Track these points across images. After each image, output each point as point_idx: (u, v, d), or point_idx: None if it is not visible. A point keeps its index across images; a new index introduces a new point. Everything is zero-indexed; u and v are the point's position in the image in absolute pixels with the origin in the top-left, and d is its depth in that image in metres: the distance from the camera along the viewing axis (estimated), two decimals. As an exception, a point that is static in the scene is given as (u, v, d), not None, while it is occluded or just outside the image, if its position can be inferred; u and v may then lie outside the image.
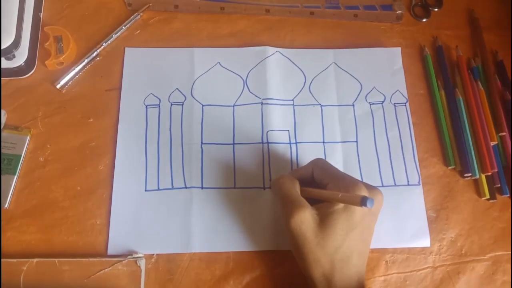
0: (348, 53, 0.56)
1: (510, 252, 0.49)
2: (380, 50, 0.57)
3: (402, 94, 0.54)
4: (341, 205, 0.39)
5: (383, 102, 0.54)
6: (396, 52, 0.57)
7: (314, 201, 0.41)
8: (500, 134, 0.53)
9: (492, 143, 0.52)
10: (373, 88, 0.54)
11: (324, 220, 0.39)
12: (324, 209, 0.40)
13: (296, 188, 0.42)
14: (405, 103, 0.54)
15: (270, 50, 0.55)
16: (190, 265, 0.46)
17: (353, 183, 0.40)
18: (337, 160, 0.51)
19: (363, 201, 0.36)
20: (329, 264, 0.39)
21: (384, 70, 0.55)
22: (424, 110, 0.55)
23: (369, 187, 0.41)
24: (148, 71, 0.53)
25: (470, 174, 0.51)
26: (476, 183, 0.52)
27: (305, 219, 0.39)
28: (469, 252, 0.49)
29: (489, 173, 0.51)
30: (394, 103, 0.54)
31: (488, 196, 0.50)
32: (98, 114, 0.52)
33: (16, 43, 0.49)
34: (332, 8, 0.58)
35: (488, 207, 0.51)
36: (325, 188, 0.42)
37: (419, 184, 0.50)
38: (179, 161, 0.50)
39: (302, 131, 0.52)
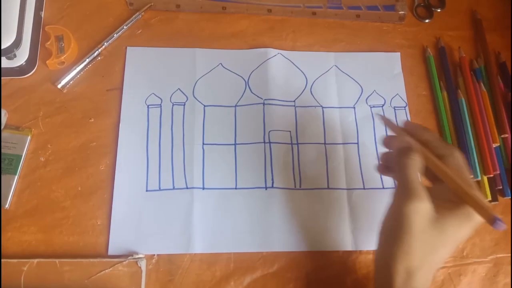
0: (349, 56, 0.56)
1: (511, 255, 0.49)
2: (380, 54, 0.57)
3: (402, 98, 0.55)
4: (462, 214, 0.36)
5: (383, 105, 0.54)
6: (395, 57, 0.57)
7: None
8: (502, 136, 0.52)
9: (494, 145, 0.52)
10: (373, 92, 0.54)
11: (438, 220, 0.36)
12: (442, 210, 0.37)
13: (421, 171, 0.38)
14: (405, 107, 0.54)
15: (272, 52, 0.55)
16: (191, 266, 0.46)
17: (485, 201, 0.36)
18: (339, 162, 0.51)
19: (494, 219, 0.33)
20: (418, 262, 0.36)
21: (384, 74, 0.56)
22: (426, 111, 0.54)
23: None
24: (150, 71, 0.53)
25: (471, 176, 0.50)
26: (478, 185, 0.51)
27: (420, 211, 0.36)
28: (471, 254, 0.49)
29: (491, 175, 0.50)
30: (394, 107, 0.54)
31: (490, 198, 0.50)
32: (99, 114, 0.51)
33: (17, 43, 0.49)
34: (334, 8, 0.57)
35: (490, 209, 0.51)
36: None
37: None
38: (181, 162, 0.50)
39: (304, 132, 0.52)
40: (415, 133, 0.40)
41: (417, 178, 0.38)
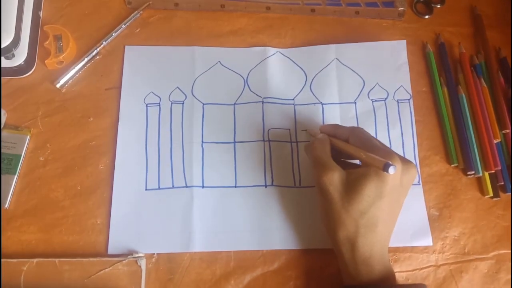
0: (351, 47, 0.55)
1: (511, 251, 0.49)
2: (385, 43, 0.56)
3: (406, 90, 0.54)
4: (372, 172, 0.39)
5: (386, 99, 0.53)
6: (400, 46, 0.56)
7: (346, 168, 0.42)
8: (503, 132, 0.52)
9: (495, 141, 0.51)
10: (376, 85, 0.54)
11: (352, 184, 0.40)
12: (354, 174, 0.40)
13: (327, 151, 0.44)
14: (409, 99, 0.54)
15: (271, 50, 0.55)
16: (191, 265, 0.46)
17: (388, 153, 0.40)
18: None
19: (386, 166, 0.37)
20: (354, 228, 0.40)
21: (388, 64, 0.55)
22: (426, 107, 0.54)
23: (404, 160, 0.41)
24: (149, 69, 0.53)
25: (473, 172, 0.50)
26: (479, 181, 0.51)
27: (333, 180, 0.40)
28: (472, 251, 0.48)
29: (493, 171, 0.50)
30: (398, 100, 0.53)
31: (491, 194, 0.50)
32: (98, 113, 0.51)
33: (15, 42, 0.49)
34: (333, 5, 0.57)
35: (491, 205, 0.50)
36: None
37: (419, 184, 0.50)
38: (180, 160, 0.50)
39: (303, 131, 0.52)
40: (326, 130, 0.47)
41: (324, 154, 0.43)
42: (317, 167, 0.42)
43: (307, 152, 0.46)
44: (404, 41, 0.56)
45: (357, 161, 0.46)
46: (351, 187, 0.40)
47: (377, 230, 0.40)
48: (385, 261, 0.41)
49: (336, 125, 0.48)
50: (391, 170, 0.37)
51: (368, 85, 0.54)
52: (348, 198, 0.40)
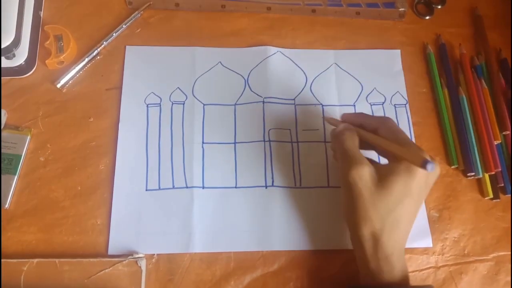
0: (349, 54, 0.56)
1: (511, 253, 0.49)
2: (380, 52, 0.56)
3: (402, 96, 0.54)
4: (402, 169, 0.39)
5: (383, 103, 0.54)
6: (395, 54, 0.57)
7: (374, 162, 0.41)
8: (503, 133, 0.52)
9: (495, 142, 0.51)
10: (373, 89, 0.54)
11: (382, 180, 0.39)
12: (384, 170, 0.40)
13: (356, 143, 0.42)
14: (405, 104, 0.54)
15: (271, 50, 0.55)
16: (191, 265, 0.46)
17: (419, 149, 0.40)
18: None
19: (424, 163, 0.35)
20: (380, 225, 0.39)
21: (384, 71, 0.55)
22: (427, 108, 0.54)
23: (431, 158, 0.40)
24: (149, 70, 0.53)
25: (473, 174, 0.50)
26: (479, 182, 0.51)
27: (363, 175, 0.39)
28: (472, 252, 0.48)
29: (493, 173, 0.50)
30: (395, 104, 0.54)
31: (491, 196, 0.50)
32: (99, 114, 0.51)
33: (16, 42, 0.49)
34: (334, 5, 0.57)
35: (491, 206, 0.50)
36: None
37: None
38: (180, 161, 0.50)
39: (303, 131, 0.52)
40: (351, 119, 0.45)
41: (354, 147, 0.41)
42: (345, 160, 0.41)
43: (334, 143, 0.45)
44: (399, 51, 0.57)
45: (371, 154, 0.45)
46: (380, 183, 0.39)
47: (401, 228, 0.40)
48: (403, 259, 0.41)
49: (363, 114, 0.46)
50: (429, 167, 0.35)
51: (366, 90, 0.54)
52: (377, 194, 0.39)
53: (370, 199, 0.39)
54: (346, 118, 0.46)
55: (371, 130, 0.43)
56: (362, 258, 0.41)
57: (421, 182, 0.39)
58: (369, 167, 0.40)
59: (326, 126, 0.52)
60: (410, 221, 0.41)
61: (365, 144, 0.43)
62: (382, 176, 0.39)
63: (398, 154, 0.39)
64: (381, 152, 0.45)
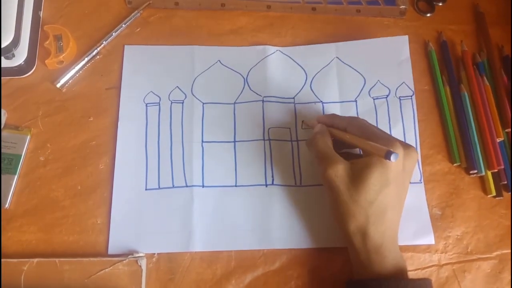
0: (352, 45, 0.55)
1: (511, 251, 0.48)
2: (386, 39, 0.55)
3: (408, 87, 0.53)
4: (375, 161, 0.40)
5: (387, 96, 0.53)
6: (403, 41, 0.55)
7: (349, 158, 0.42)
8: (506, 130, 0.52)
9: (498, 139, 0.51)
10: (377, 82, 0.53)
11: (357, 174, 0.40)
12: (358, 165, 0.41)
13: (329, 143, 0.44)
14: (411, 96, 0.53)
15: (271, 49, 0.54)
16: (191, 265, 0.46)
17: (388, 140, 0.41)
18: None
19: (387, 154, 0.37)
20: (364, 218, 0.40)
21: (389, 61, 0.54)
22: (429, 106, 0.54)
23: (404, 145, 0.42)
24: (148, 69, 0.53)
25: (475, 171, 0.50)
26: (482, 180, 0.51)
27: (338, 172, 0.41)
28: (475, 250, 0.48)
29: (495, 170, 0.50)
30: (400, 97, 0.53)
31: (494, 194, 0.49)
32: (98, 113, 0.51)
33: (15, 42, 0.49)
34: (334, 3, 0.57)
35: (494, 204, 0.50)
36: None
37: (421, 182, 0.50)
38: (180, 160, 0.49)
39: (303, 129, 0.51)
40: (324, 121, 0.47)
41: (327, 148, 0.43)
42: (321, 161, 0.42)
43: (309, 147, 0.46)
44: (406, 37, 0.55)
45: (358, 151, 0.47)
46: (357, 177, 0.40)
47: (386, 217, 0.40)
48: (396, 250, 0.41)
49: (334, 115, 0.48)
50: (393, 158, 0.37)
51: (369, 83, 0.53)
52: (355, 188, 0.40)
53: (349, 194, 0.40)
54: (320, 119, 0.48)
55: (342, 129, 0.45)
56: (353, 253, 0.42)
57: (398, 170, 0.41)
58: (343, 164, 0.41)
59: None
60: (395, 210, 0.42)
61: (341, 144, 0.45)
62: (358, 170, 0.40)
63: (365, 148, 0.41)
64: (353, 149, 0.47)
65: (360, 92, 0.53)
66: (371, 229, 0.40)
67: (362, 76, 0.54)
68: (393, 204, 0.41)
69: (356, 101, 0.53)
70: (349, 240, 0.42)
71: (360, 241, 0.41)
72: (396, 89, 0.53)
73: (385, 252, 0.40)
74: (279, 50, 0.54)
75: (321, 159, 0.43)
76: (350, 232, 0.41)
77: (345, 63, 0.54)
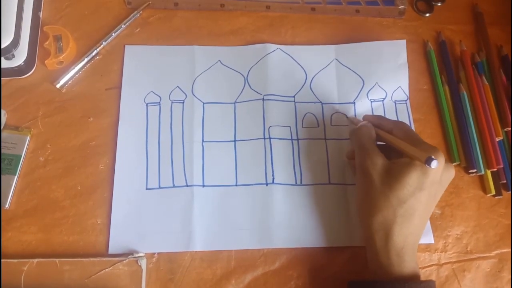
0: (351, 48, 0.55)
1: (511, 250, 0.48)
2: (384, 43, 0.56)
3: (404, 91, 0.54)
4: (416, 163, 0.39)
5: (383, 99, 0.53)
6: (400, 45, 0.56)
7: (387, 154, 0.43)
8: (505, 129, 0.52)
9: (497, 139, 0.51)
10: (375, 84, 0.54)
11: (395, 171, 0.40)
12: (398, 163, 0.41)
13: (373, 138, 0.45)
14: (406, 100, 0.53)
15: (271, 47, 0.54)
16: (192, 264, 0.46)
17: (431, 148, 0.40)
18: (339, 157, 0.50)
19: (428, 160, 0.37)
20: (391, 216, 0.40)
21: (388, 64, 0.55)
22: (428, 105, 0.54)
23: (446, 159, 0.42)
24: (148, 69, 0.53)
25: (475, 170, 0.50)
26: (481, 179, 0.51)
27: (376, 164, 0.41)
28: (475, 250, 0.48)
29: (495, 169, 0.50)
30: (395, 101, 0.53)
31: (493, 193, 0.50)
32: (99, 113, 0.51)
33: (15, 43, 0.49)
34: (333, 3, 0.57)
35: (493, 203, 0.50)
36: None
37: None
38: (180, 159, 0.49)
39: (304, 128, 0.51)
40: (371, 120, 0.47)
41: (370, 141, 0.44)
42: (361, 151, 0.43)
43: (352, 137, 0.47)
44: (404, 41, 0.56)
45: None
46: (394, 174, 0.40)
47: (412, 222, 0.40)
48: (415, 257, 0.41)
49: (381, 116, 0.48)
50: (433, 164, 0.37)
51: (367, 85, 0.54)
52: (389, 184, 0.40)
53: (382, 188, 0.40)
54: (367, 117, 0.48)
55: (387, 130, 0.45)
56: (373, 250, 0.41)
57: (435, 179, 0.40)
58: (383, 159, 0.41)
59: (326, 124, 0.52)
60: (423, 215, 0.41)
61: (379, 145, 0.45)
62: (396, 168, 0.40)
63: (407, 151, 0.40)
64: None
65: (359, 94, 0.53)
66: (395, 229, 0.40)
67: (361, 78, 0.54)
68: (422, 210, 0.40)
69: (354, 103, 0.53)
70: (370, 236, 0.41)
71: (382, 239, 0.40)
72: (392, 93, 0.54)
73: (405, 256, 0.40)
74: (280, 48, 0.54)
75: (362, 149, 0.43)
76: (374, 228, 0.40)
77: (344, 65, 0.54)
